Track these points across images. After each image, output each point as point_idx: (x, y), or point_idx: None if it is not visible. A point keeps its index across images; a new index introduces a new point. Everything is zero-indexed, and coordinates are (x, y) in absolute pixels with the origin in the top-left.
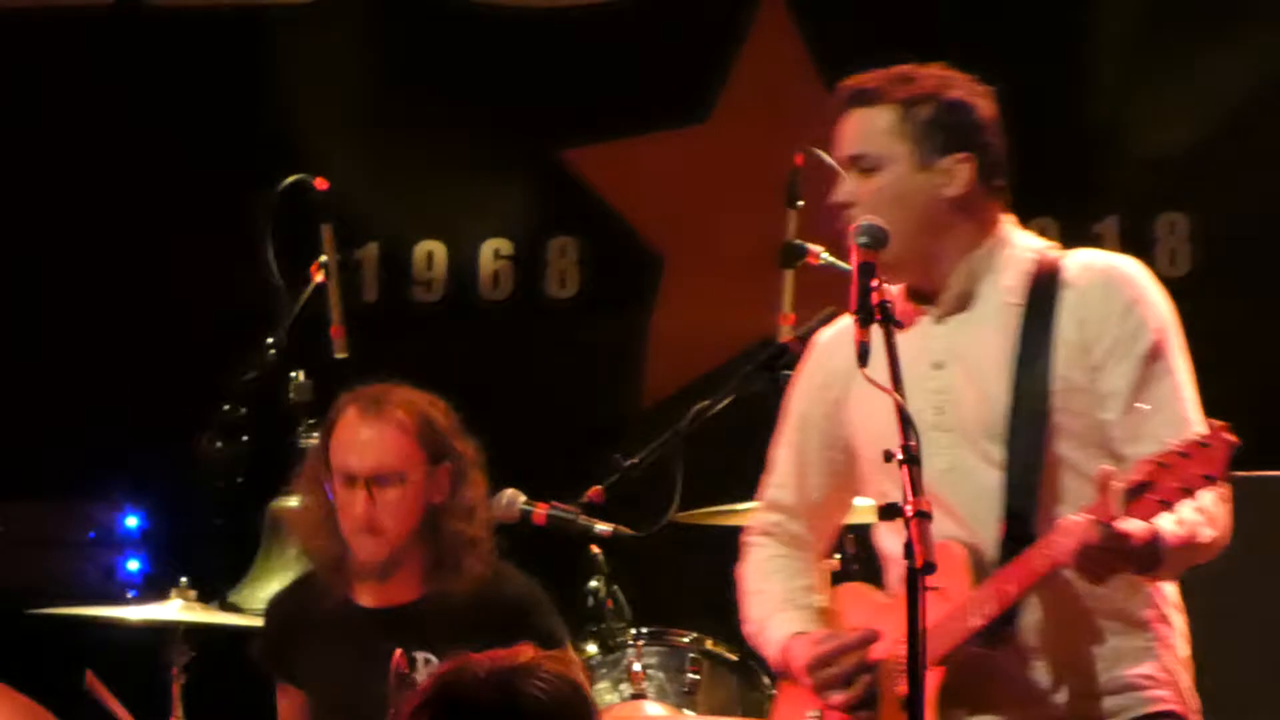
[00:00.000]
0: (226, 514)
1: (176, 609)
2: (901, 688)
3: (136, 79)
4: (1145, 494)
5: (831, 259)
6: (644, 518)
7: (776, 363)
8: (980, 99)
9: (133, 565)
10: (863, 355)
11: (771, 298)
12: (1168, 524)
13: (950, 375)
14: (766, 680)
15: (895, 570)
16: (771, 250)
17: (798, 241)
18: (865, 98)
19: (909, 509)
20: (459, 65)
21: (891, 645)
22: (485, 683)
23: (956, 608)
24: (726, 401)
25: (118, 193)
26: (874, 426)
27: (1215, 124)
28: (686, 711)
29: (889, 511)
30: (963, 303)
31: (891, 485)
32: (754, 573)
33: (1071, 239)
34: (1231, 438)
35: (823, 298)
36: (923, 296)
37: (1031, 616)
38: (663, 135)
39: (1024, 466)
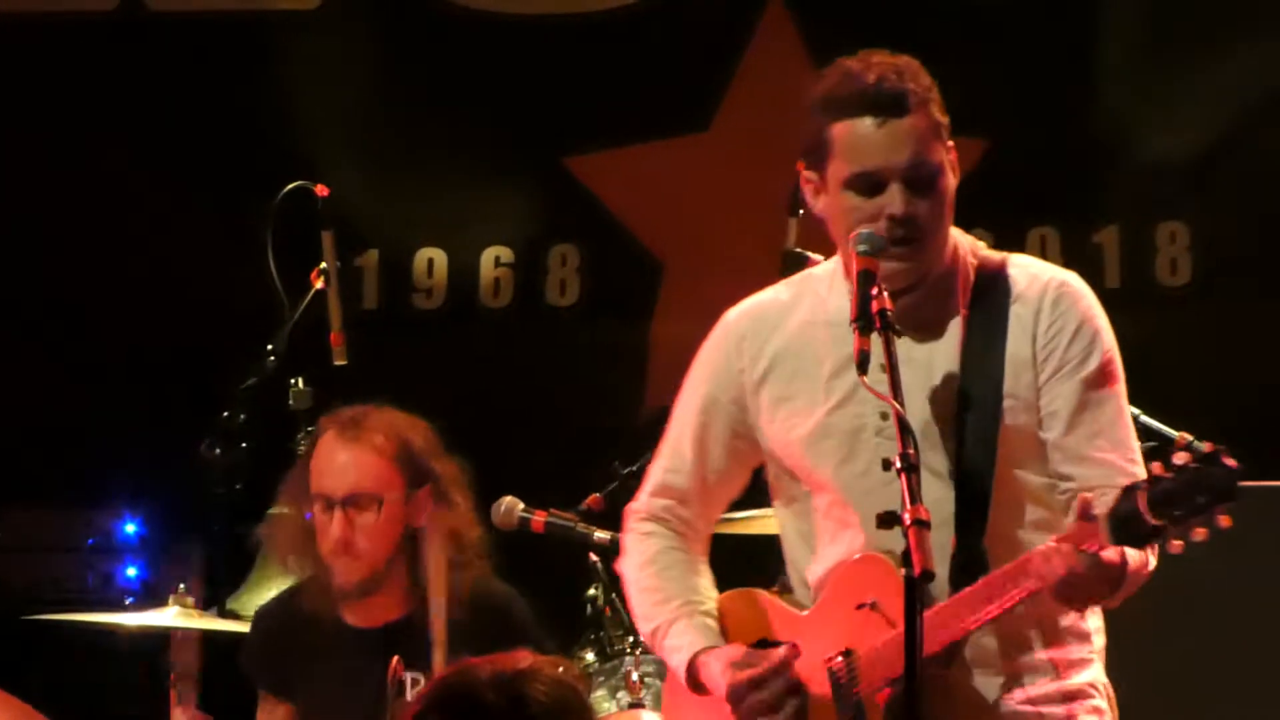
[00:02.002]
0: (225, 521)
1: (174, 615)
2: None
3: (138, 85)
4: (1136, 524)
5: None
6: None
7: None
8: None
9: (131, 571)
10: (863, 363)
11: None
12: (1129, 552)
13: (902, 380)
14: None
15: (801, 574)
16: (772, 258)
17: (798, 250)
18: (905, 103)
19: (907, 517)
20: (460, 72)
21: (818, 660)
22: (490, 685)
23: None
24: None
25: (119, 199)
26: (804, 431)
27: (1216, 134)
28: None
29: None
30: (919, 310)
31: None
32: (647, 566)
33: (1072, 248)
34: (1233, 464)
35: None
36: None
37: (981, 632)
38: (664, 143)
39: (974, 480)
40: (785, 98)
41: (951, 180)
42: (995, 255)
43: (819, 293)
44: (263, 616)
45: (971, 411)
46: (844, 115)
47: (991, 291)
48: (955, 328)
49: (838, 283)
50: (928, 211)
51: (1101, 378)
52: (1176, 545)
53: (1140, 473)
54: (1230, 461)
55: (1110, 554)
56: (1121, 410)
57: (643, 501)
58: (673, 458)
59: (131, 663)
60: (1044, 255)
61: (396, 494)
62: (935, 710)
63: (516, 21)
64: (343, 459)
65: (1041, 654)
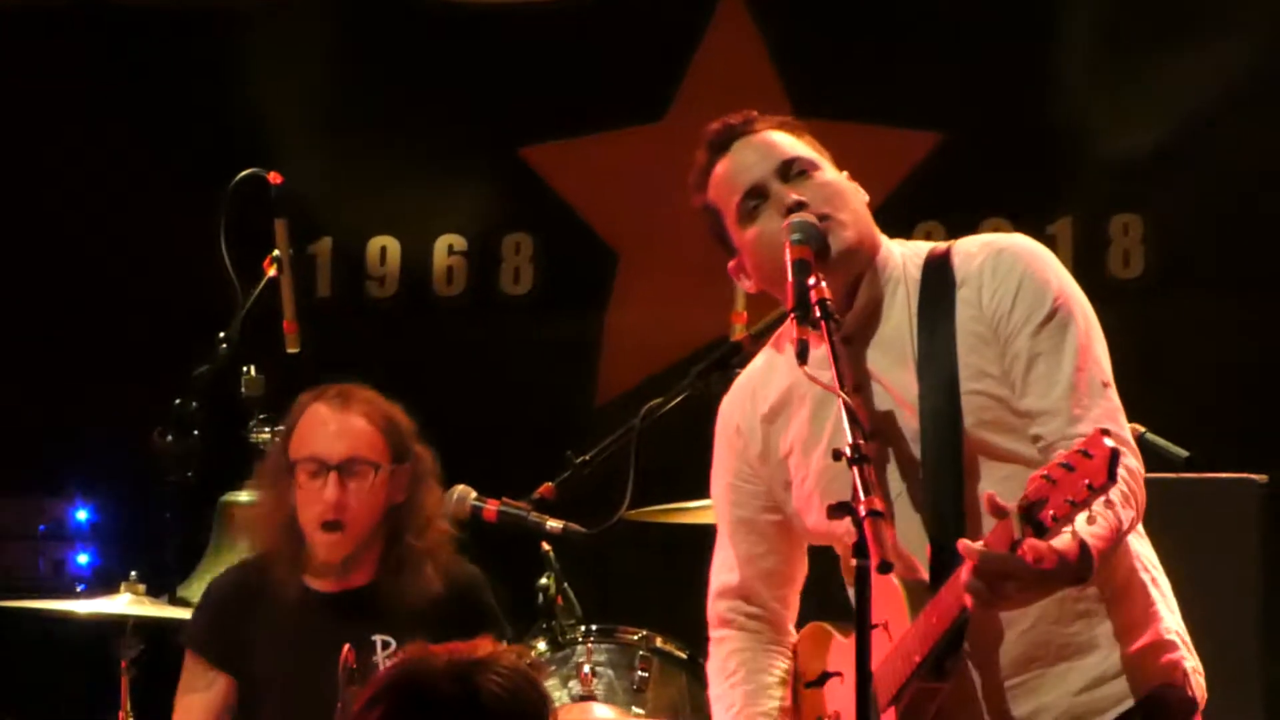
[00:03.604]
0: (177, 508)
1: (126, 603)
2: None
3: (96, 73)
4: (1041, 511)
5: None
6: (595, 515)
7: (729, 361)
8: None
9: (83, 559)
10: (802, 353)
11: (725, 297)
12: (1086, 527)
13: (871, 397)
14: None
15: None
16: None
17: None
18: (752, 126)
19: (861, 508)
20: (416, 61)
21: (852, 686)
22: (444, 674)
23: (897, 645)
24: (679, 399)
25: (75, 186)
26: (811, 482)
27: (1171, 127)
28: (635, 710)
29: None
30: (867, 319)
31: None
32: (716, 675)
33: None
34: (1109, 444)
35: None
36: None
37: (976, 643)
38: (619, 133)
39: (942, 488)
40: (740, 88)
41: (840, 174)
42: (941, 247)
43: (785, 345)
44: (217, 587)
45: (929, 414)
46: (709, 173)
47: (938, 287)
48: (906, 337)
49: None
50: (819, 193)
51: (1050, 325)
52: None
53: (1091, 413)
54: (1109, 443)
55: (1044, 546)
56: (1081, 349)
57: (710, 609)
58: (721, 558)
59: (83, 650)
60: None
61: (385, 464)
62: None
63: (473, 10)
64: (336, 425)
65: (1041, 662)
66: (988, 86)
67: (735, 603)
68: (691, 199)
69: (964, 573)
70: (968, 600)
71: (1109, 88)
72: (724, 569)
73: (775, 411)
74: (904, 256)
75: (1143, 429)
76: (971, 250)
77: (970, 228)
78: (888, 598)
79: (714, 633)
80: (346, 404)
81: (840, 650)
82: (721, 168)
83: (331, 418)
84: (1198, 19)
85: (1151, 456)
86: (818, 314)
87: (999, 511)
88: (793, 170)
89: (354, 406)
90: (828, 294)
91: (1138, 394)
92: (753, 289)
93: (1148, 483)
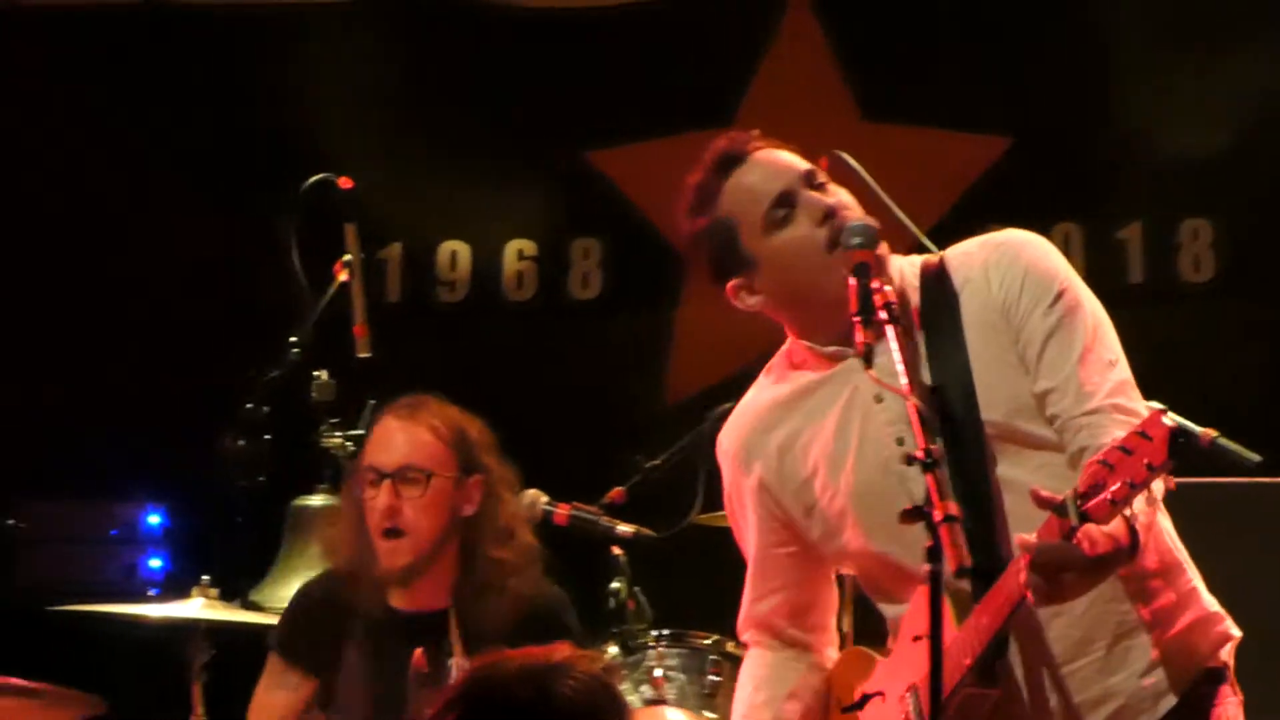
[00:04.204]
0: (248, 513)
1: (198, 607)
2: None
3: (164, 77)
4: (1096, 497)
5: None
6: (666, 519)
7: None
8: None
9: (154, 563)
10: (868, 357)
11: None
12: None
13: (893, 406)
14: None
15: (897, 629)
16: None
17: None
18: (760, 143)
19: (936, 513)
20: (484, 66)
21: (895, 703)
22: (518, 680)
23: (945, 651)
24: None
25: (144, 192)
26: (842, 470)
27: (1241, 130)
28: (707, 714)
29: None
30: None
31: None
32: (737, 690)
33: (1095, 245)
34: (1168, 423)
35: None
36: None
37: (1020, 646)
38: (687, 137)
39: (972, 489)
40: (807, 92)
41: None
42: (933, 257)
43: (784, 368)
44: (306, 593)
45: (952, 416)
46: (718, 189)
47: (938, 291)
48: (916, 340)
49: (797, 349)
50: (843, 202)
51: (1058, 307)
52: (1142, 522)
53: (1103, 389)
54: (1167, 422)
55: (1097, 533)
56: (1090, 329)
57: (743, 634)
58: (751, 589)
59: (155, 654)
60: (1067, 252)
61: (447, 474)
62: None
63: (540, 15)
64: (397, 435)
65: (1086, 657)
66: (1057, 91)
67: (756, 631)
68: (684, 223)
69: (1021, 569)
70: (1029, 596)
71: (1179, 90)
72: (746, 597)
73: (791, 437)
74: (899, 265)
75: (1215, 434)
76: (970, 250)
77: (1040, 232)
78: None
79: (748, 636)
80: (414, 415)
81: (882, 670)
82: (740, 180)
83: (396, 428)
84: (1264, 19)
85: (1223, 461)
86: (884, 317)
87: (1047, 503)
88: (815, 180)
89: (421, 418)
90: (892, 297)
91: (1207, 397)
92: (757, 308)
93: (1220, 487)
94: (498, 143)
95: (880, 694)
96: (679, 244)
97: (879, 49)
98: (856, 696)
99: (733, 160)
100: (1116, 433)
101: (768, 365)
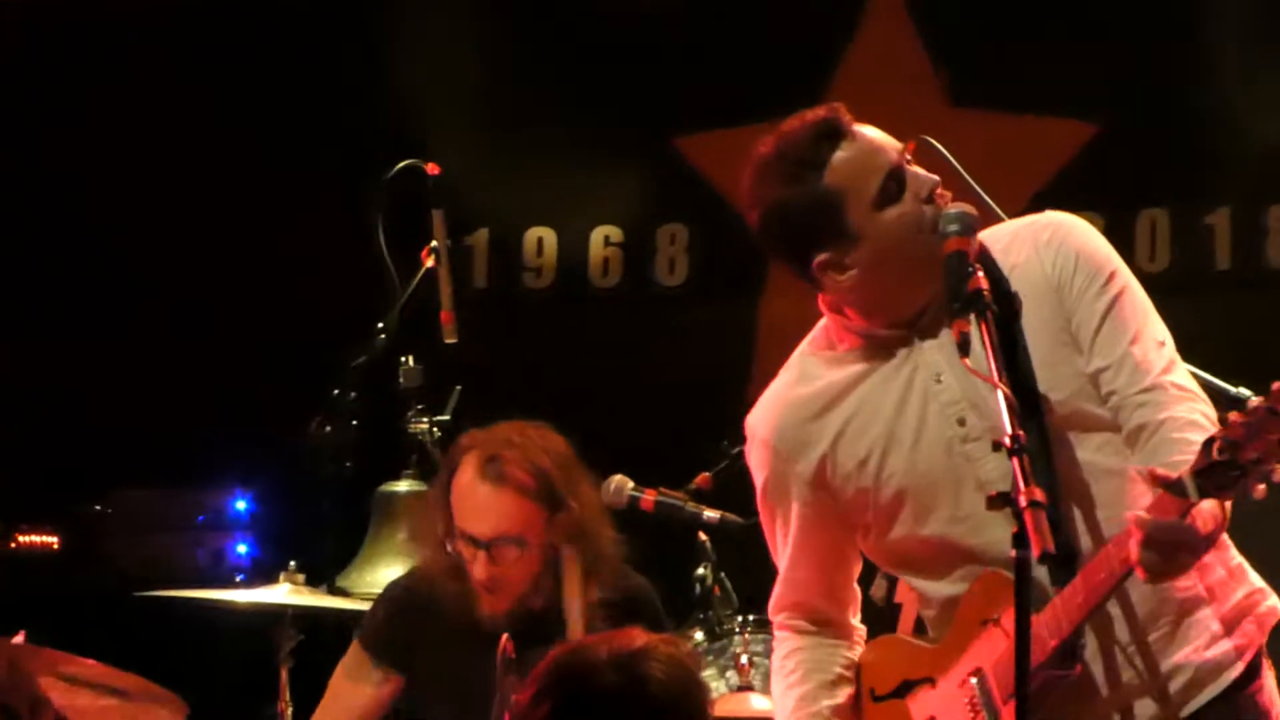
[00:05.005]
0: (335, 498)
1: (285, 593)
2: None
3: (249, 62)
4: (1219, 473)
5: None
6: (752, 505)
7: None
8: None
9: (242, 549)
10: (964, 345)
11: None
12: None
13: (954, 386)
14: None
15: (932, 610)
16: None
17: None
18: (844, 114)
19: (1022, 498)
20: (571, 52)
21: (954, 688)
22: (608, 666)
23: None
24: None
25: (230, 181)
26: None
27: None
28: None
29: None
30: (934, 318)
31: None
32: (775, 675)
33: (1183, 230)
34: None
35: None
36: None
37: (1094, 630)
38: (774, 124)
39: (1036, 468)
40: (895, 77)
41: None
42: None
43: (823, 351)
44: (395, 592)
45: (1018, 396)
46: (827, 159)
47: (990, 277)
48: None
49: (842, 332)
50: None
51: (1110, 286)
52: (1260, 490)
53: (1158, 366)
54: None
55: (1201, 511)
56: (1142, 310)
57: (770, 612)
58: (788, 571)
59: (242, 640)
60: (1153, 238)
61: (539, 527)
62: (1072, 710)
63: (627, 2)
64: (485, 500)
65: (1156, 636)
66: (1144, 76)
67: (789, 614)
68: (770, 191)
69: (1133, 546)
70: (1140, 574)
71: (1265, 75)
72: (782, 580)
73: (845, 422)
74: None
75: None
76: (1012, 232)
77: (1128, 218)
78: (998, 593)
79: (776, 632)
80: (499, 472)
81: (926, 657)
82: (851, 151)
83: (481, 488)
84: None
85: None
86: (982, 304)
87: (1160, 481)
88: (913, 161)
89: (507, 476)
90: (984, 284)
91: None
92: (843, 285)
93: None
94: (584, 129)
95: (928, 680)
96: (748, 216)
97: (966, 33)
98: (894, 683)
99: (836, 132)
100: (1176, 409)
101: (797, 351)
